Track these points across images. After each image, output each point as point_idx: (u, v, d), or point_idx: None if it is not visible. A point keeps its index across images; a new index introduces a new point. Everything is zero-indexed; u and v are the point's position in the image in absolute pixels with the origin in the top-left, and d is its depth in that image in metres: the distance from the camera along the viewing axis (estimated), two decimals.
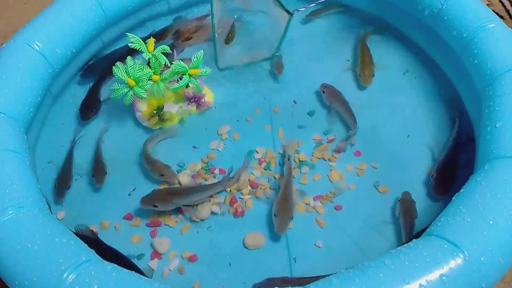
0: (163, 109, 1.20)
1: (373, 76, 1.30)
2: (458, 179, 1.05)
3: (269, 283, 0.91)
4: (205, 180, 1.11)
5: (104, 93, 1.29)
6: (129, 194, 1.10)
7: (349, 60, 1.37)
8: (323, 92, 1.25)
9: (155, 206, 1.01)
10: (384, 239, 1.01)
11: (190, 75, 1.12)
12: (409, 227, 0.99)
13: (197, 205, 1.05)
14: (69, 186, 1.09)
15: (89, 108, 1.23)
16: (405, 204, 1.03)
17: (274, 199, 1.03)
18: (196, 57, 1.12)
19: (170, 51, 1.17)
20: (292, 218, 1.00)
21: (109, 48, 1.40)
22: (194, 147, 1.18)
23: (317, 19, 1.49)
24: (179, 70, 1.12)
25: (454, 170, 1.08)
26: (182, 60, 1.14)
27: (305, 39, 1.44)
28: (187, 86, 1.16)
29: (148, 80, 1.12)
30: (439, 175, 1.07)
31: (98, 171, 1.11)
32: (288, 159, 1.10)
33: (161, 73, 1.15)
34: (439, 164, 1.09)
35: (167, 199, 1.02)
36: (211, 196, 1.07)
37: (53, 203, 1.08)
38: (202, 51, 1.13)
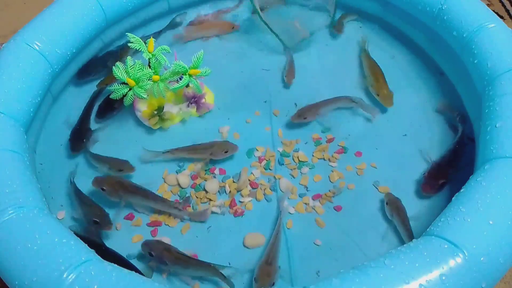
0: (163, 109, 1.20)
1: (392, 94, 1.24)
2: (455, 181, 1.05)
3: (156, 245, 0.95)
4: (205, 180, 1.11)
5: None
6: None
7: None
8: (310, 109, 1.21)
9: (103, 190, 1.03)
10: (384, 239, 1.02)
11: (190, 75, 1.12)
12: (407, 224, 0.99)
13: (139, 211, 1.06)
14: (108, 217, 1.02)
15: (79, 139, 1.17)
16: (394, 204, 1.03)
17: (258, 261, 0.95)
18: (196, 57, 1.12)
19: (170, 51, 1.17)
20: (273, 285, 0.90)
21: (108, 48, 1.39)
22: None
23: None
24: (179, 70, 1.11)
25: (446, 170, 1.08)
26: None
27: (307, 44, 1.44)
28: (187, 86, 1.16)
29: (148, 80, 1.12)
30: (429, 174, 1.08)
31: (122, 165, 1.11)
32: (280, 215, 1.03)
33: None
34: (433, 164, 1.10)
35: (115, 188, 1.03)
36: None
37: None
38: (202, 51, 1.12)
